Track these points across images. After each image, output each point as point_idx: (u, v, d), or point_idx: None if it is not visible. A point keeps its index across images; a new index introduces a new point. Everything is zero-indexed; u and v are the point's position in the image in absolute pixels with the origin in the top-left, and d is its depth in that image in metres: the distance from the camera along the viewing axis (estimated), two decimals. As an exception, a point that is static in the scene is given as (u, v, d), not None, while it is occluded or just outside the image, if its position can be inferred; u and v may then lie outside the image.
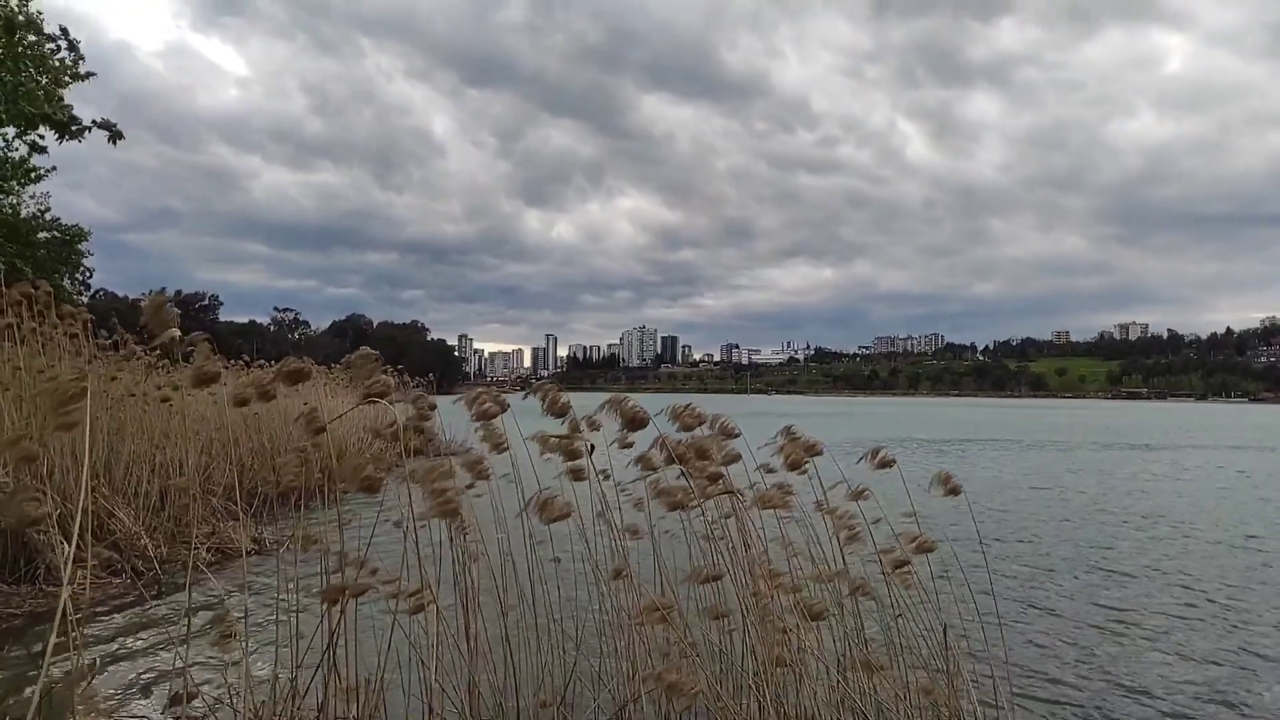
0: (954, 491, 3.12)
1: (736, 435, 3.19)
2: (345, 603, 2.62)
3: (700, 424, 3.07)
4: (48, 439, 6.08)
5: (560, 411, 3.06)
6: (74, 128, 11.01)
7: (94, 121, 11.15)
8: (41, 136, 12.22)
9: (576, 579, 3.45)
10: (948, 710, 2.94)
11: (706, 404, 3.32)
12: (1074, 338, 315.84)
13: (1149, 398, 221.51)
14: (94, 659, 4.53)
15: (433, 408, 3.28)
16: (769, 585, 2.88)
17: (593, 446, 3.15)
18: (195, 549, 6.77)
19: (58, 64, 10.94)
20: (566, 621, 3.41)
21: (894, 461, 3.18)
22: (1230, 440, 30.58)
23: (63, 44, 11.16)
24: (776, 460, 3.22)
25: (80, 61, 11.38)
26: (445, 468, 2.68)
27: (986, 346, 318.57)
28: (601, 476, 3.24)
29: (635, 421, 2.83)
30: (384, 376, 2.44)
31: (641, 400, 2.91)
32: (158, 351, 8.06)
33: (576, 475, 3.15)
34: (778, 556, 3.26)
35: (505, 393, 3.21)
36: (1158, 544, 8.94)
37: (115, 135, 11.10)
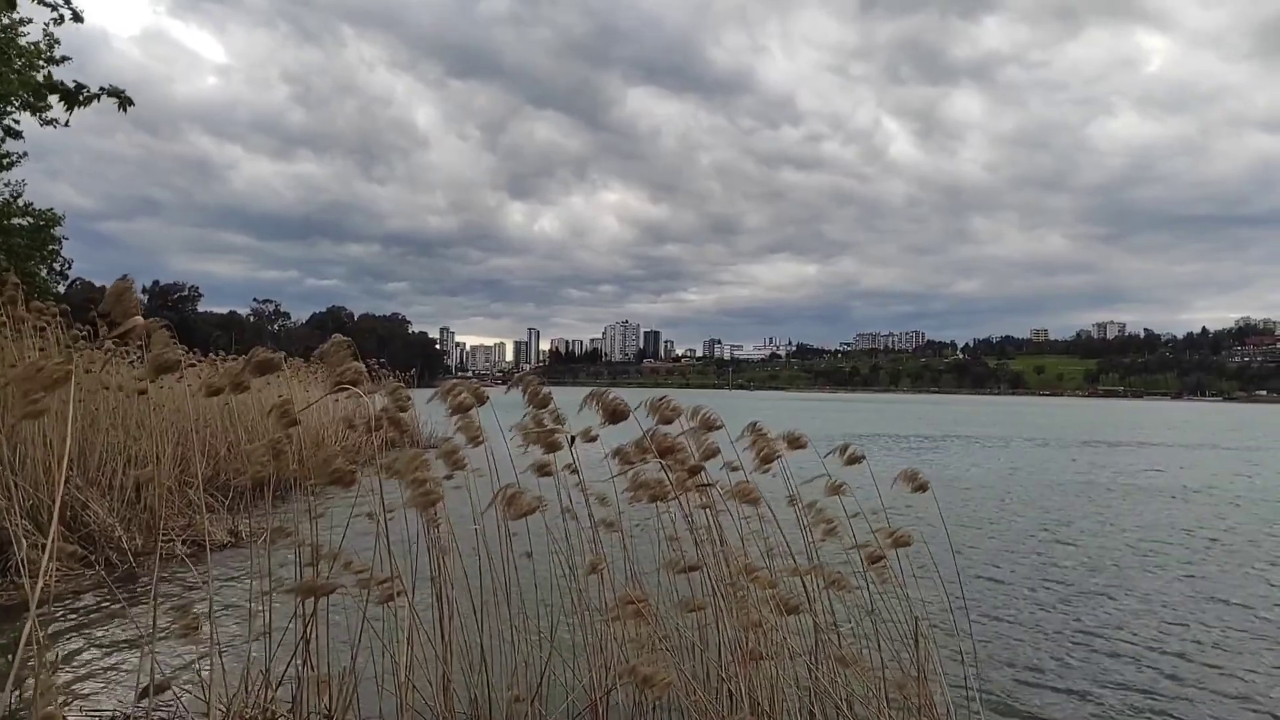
0: (921, 488, 3.15)
1: (718, 427, 3.18)
2: (318, 598, 2.61)
3: (677, 416, 3.06)
4: (19, 428, 6.00)
5: (542, 404, 3.06)
6: (81, 95, 10.71)
7: (102, 89, 10.85)
8: (17, 121, 12.00)
9: (552, 572, 3.46)
10: (918, 702, 2.98)
11: (687, 399, 3.33)
12: (1053, 336, 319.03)
13: (1125, 396, 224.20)
14: (57, 653, 4.48)
15: (408, 399, 3.27)
16: (744, 577, 2.90)
17: (574, 438, 3.15)
18: (170, 541, 6.71)
19: (31, 47, 10.71)
20: (541, 615, 3.42)
21: (863, 458, 3.21)
22: (1184, 439, 31.01)
23: (64, 12, 10.85)
24: (749, 456, 3.23)
25: (56, 45, 11.15)
26: (423, 458, 2.67)
27: (967, 344, 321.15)
28: (568, 470, 3.25)
29: (615, 414, 2.83)
30: (356, 364, 2.41)
31: (623, 395, 2.91)
32: (121, 341, 7.93)
33: (544, 470, 3.16)
34: (753, 551, 3.28)
35: (486, 386, 3.20)
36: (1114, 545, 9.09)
37: (125, 102, 10.78)
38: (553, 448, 2.99)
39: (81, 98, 10.49)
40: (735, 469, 3.32)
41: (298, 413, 2.57)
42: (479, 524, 3.25)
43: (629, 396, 2.90)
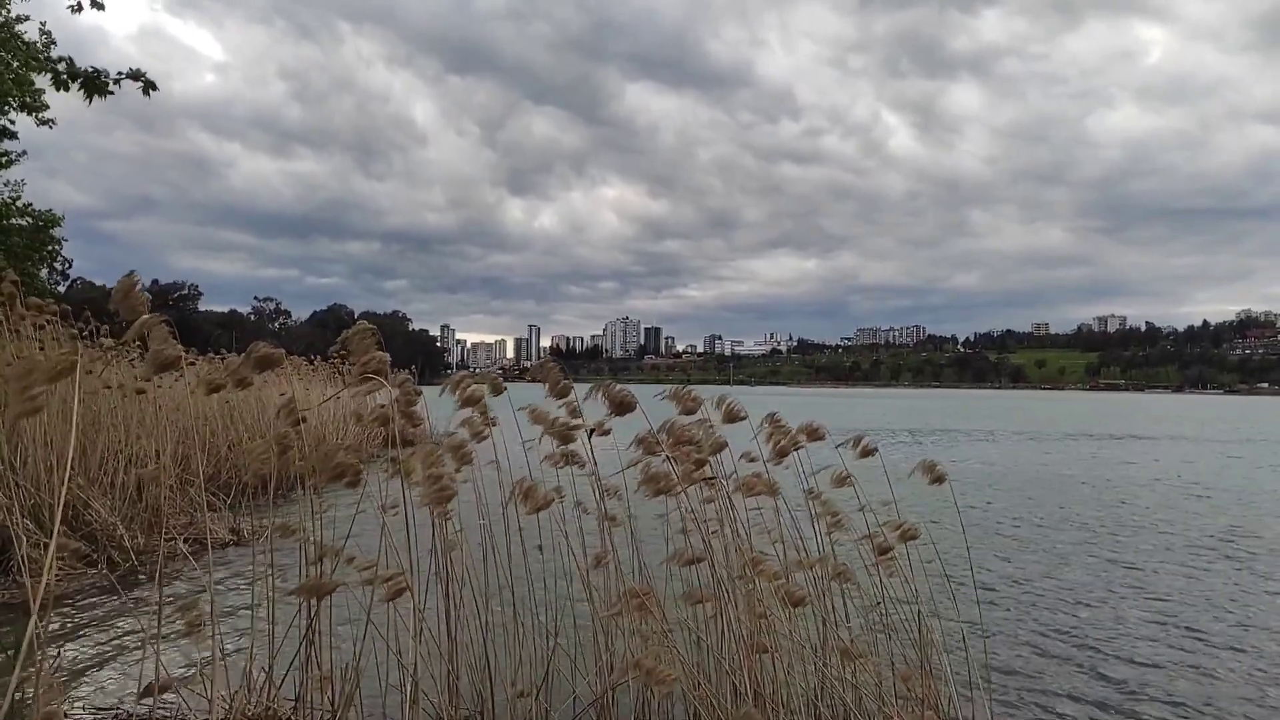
0: (939, 480, 3.11)
1: (743, 418, 3.10)
2: (321, 597, 2.60)
3: (699, 406, 3.02)
4: (21, 427, 5.99)
5: (562, 394, 3.02)
6: (100, 79, 10.42)
7: (120, 74, 10.58)
8: (13, 121, 11.97)
9: (558, 567, 3.45)
10: (923, 695, 2.96)
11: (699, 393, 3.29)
12: (1053, 330, 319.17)
13: (1126, 389, 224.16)
14: (60, 651, 4.48)
15: (418, 394, 3.24)
16: (751, 570, 2.88)
17: (593, 431, 3.11)
18: (171, 539, 6.70)
19: (26, 46, 10.65)
20: (547, 609, 3.40)
21: (876, 450, 3.18)
22: (1175, 433, 30.94)
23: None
24: (765, 448, 3.20)
25: (52, 45, 11.09)
26: (438, 454, 2.64)
27: (967, 338, 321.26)
28: (578, 467, 3.23)
29: (622, 406, 2.79)
30: (381, 354, 2.37)
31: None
32: (130, 343, 7.90)
33: (571, 460, 3.12)
34: (760, 543, 3.26)
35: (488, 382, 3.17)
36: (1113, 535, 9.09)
37: (148, 85, 10.45)
38: (566, 440, 2.96)
39: (102, 80, 10.20)
40: (752, 460, 3.29)
41: (304, 410, 2.55)
42: (485, 519, 3.24)
43: (633, 392, 2.87)
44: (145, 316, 1.93)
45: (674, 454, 2.83)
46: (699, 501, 3.03)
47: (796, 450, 3.13)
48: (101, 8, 10.36)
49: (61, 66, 10.08)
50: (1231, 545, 8.44)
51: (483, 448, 3.15)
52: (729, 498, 3.08)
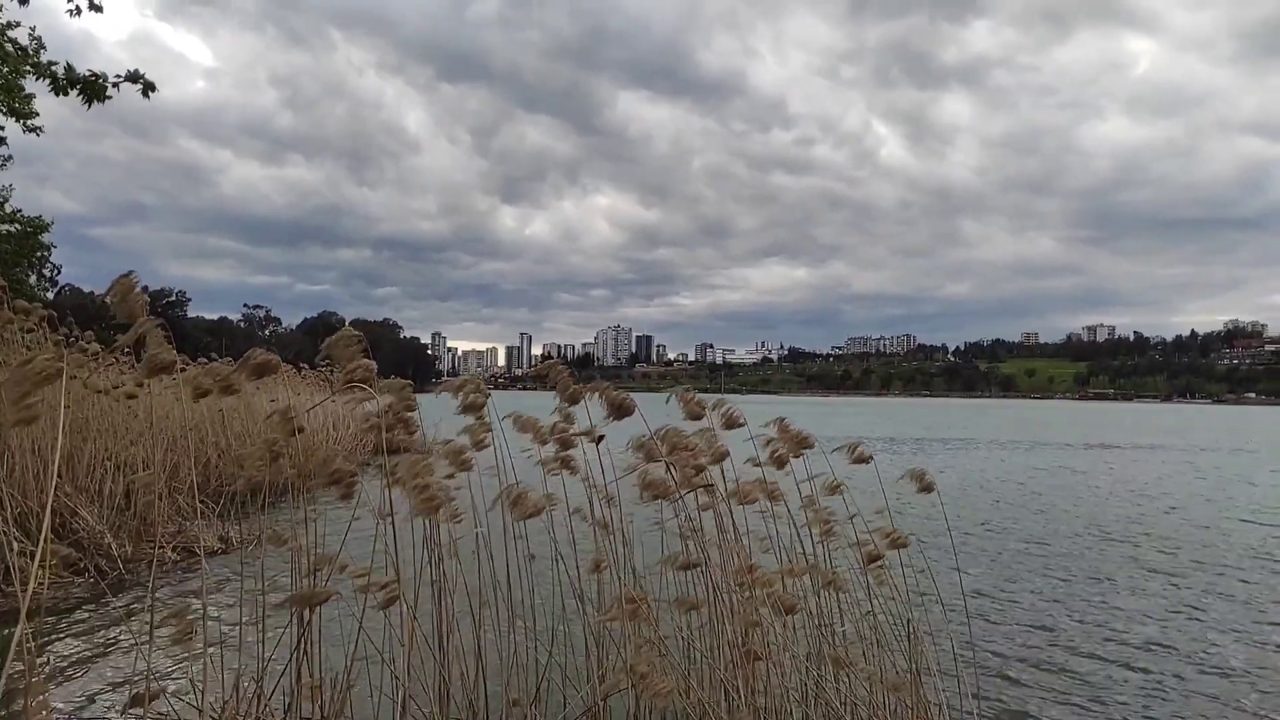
0: (927, 489, 3.11)
1: (742, 424, 3.09)
2: (313, 608, 2.58)
3: (704, 412, 3.00)
4: (7, 434, 5.93)
5: (573, 399, 3.00)
6: (99, 83, 10.19)
7: (118, 76, 10.35)
8: (1, 127, 11.88)
9: (552, 574, 3.43)
10: (912, 703, 2.96)
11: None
12: (1043, 339, 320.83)
13: (1115, 399, 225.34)
14: (49, 657, 4.43)
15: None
16: (745, 577, 2.88)
17: (600, 438, 3.09)
18: (160, 548, 6.64)
19: (18, 52, 10.57)
20: (540, 617, 3.39)
21: (871, 457, 3.18)
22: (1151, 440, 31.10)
23: (80, 3, 10.49)
24: (762, 455, 3.19)
25: (42, 50, 11.00)
26: (426, 462, 2.63)
27: (958, 347, 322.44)
28: (574, 473, 3.22)
29: (620, 409, 2.77)
30: (367, 361, 2.36)
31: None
32: (127, 350, 7.84)
33: (567, 465, 3.11)
34: (754, 550, 3.26)
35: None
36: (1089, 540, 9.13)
37: (148, 87, 10.23)
38: (566, 445, 2.95)
39: (101, 84, 9.99)
40: (757, 464, 3.28)
41: (296, 416, 2.54)
42: (482, 525, 3.22)
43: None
44: (142, 320, 1.91)
45: (673, 460, 2.82)
46: (696, 508, 3.02)
47: (798, 457, 3.13)
48: (99, 9, 10.21)
49: (60, 71, 9.91)
50: (1196, 556, 8.48)
51: (479, 455, 3.14)
52: (726, 504, 3.08)
